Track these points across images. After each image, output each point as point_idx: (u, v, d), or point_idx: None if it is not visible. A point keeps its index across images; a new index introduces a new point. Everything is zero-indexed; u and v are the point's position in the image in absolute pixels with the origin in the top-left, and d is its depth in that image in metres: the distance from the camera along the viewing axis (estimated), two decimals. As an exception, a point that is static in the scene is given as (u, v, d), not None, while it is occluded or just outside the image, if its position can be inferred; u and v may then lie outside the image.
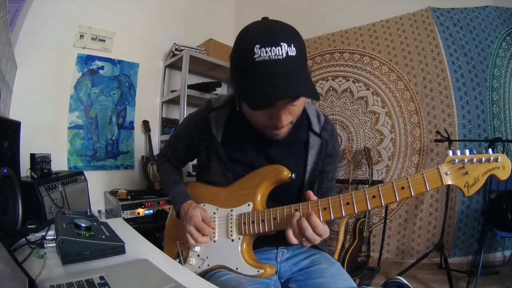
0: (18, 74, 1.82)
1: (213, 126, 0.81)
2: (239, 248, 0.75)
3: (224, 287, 0.67)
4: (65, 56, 2.06)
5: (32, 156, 1.47)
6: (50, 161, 1.57)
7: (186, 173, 2.32)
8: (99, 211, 2.15)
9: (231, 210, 0.78)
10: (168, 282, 0.54)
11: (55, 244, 0.65)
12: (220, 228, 0.78)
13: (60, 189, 1.50)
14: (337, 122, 2.54)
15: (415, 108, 2.31)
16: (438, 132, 2.12)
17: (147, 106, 2.52)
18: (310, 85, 0.62)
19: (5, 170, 0.95)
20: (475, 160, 0.60)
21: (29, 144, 1.51)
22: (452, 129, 2.19)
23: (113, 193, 2.14)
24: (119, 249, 0.68)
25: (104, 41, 2.21)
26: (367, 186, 1.82)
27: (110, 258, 0.66)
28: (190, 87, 2.37)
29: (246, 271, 0.72)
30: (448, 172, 0.61)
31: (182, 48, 2.40)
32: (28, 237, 0.72)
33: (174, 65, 2.58)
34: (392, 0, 2.42)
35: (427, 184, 0.61)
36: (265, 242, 0.80)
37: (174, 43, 2.41)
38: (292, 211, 0.69)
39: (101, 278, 0.53)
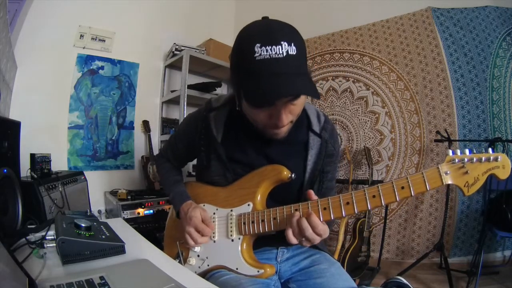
0: (18, 74, 1.82)
1: (213, 126, 0.81)
2: (239, 248, 0.75)
3: (224, 287, 0.67)
4: (65, 56, 2.06)
5: (32, 156, 1.47)
6: (50, 161, 1.57)
7: (186, 173, 2.32)
8: (99, 211, 2.15)
9: (231, 210, 0.78)
10: (168, 282, 0.54)
11: (55, 244, 0.65)
12: (220, 228, 0.78)
13: (60, 189, 1.50)
14: (337, 122, 2.54)
15: (415, 108, 2.31)
16: (438, 132, 2.12)
17: (147, 106, 2.52)
18: (310, 83, 0.63)
19: (5, 170, 0.95)
20: (475, 159, 0.60)
21: (29, 144, 1.51)
22: (452, 129, 2.19)
23: (113, 193, 2.14)
24: (119, 249, 0.68)
25: (104, 41, 2.21)
26: (367, 186, 1.82)
27: (110, 258, 0.66)
28: (190, 87, 2.37)
29: (246, 271, 0.72)
30: (448, 172, 0.61)
31: (182, 48, 2.40)
32: (28, 237, 0.72)
33: (174, 65, 2.58)
34: (392, 0, 2.42)
35: (427, 184, 0.61)
36: (265, 242, 0.80)
37: (174, 43, 2.41)
38: (292, 211, 0.69)
39: (101, 278, 0.53)
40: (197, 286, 0.59)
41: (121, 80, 2.35)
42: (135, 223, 1.87)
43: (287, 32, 0.61)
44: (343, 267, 1.06)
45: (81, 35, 2.10)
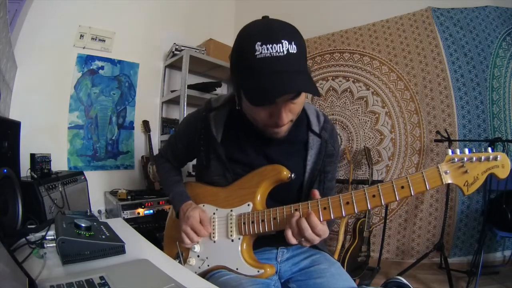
0: (18, 74, 1.82)
1: (213, 126, 0.81)
2: (239, 248, 0.75)
3: (224, 287, 0.67)
4: (65, 56, 2.06)
5: (32, 156, 1.47)
6: (50, 161, 1.57)
7: (186, 173, 2.32)
8: (99, 211, 2.15)
9: (231, 210, 0.78)
10: (168, 282, 0.54)
11: (55, 244, 0.65)
12: (220, 228, 0.78)
13: (60, 189, 1.50)
14: (337, 122, 2.54)
15: (415, 108, 2.31)
16: (438, 132, 2.12)
17: (147, 106, 2.52)
18: (311, 82, 0.63)
19: (5, 170, 0.95)
20: (474, 158, 0.60)
21: (29, 144, 1.51)
22: (452, 129, 2.19)
23: (113, 193, 2.14)
24: (119, 249, 0.68)
25: (104, 41, 2.21)
26: (367, 186, 1.81)
27: (110, 258, 0.66)
28: (190, 87, 2.37)
29: (246, 271, 0.72)
30: (448, 171, 0.61)
31: (182, 48, 2.40)
32: (28, 237, 0.72)
33: (174, 65, 2.58)
34: (392, 0, 2.42)
35: (426, 183, 0.61)
36: (265, 242, 0.80)
37: (174, 43, 2.41)
38: (292, 211, 0.69)
39: (101, 278, 0.53)
40: (197, 286, 0.59)
41: (121, 80, 2.35)
42: (135, 223, 1.87)
43: (288, 31, 0.61)
44: (343, 267, 1.06)
45: (81, 35, 2.10)
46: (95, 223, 0.76)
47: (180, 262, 0.80)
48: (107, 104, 2.28)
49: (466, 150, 0.61)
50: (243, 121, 0.76)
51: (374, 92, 2.44)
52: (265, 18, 0.66)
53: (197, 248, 0.79)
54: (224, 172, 0.81)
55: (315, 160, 0.80)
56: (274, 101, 0.62)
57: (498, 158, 0.60)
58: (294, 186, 0.80)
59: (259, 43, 0.58)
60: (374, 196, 0.64)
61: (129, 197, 1.96)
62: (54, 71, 2.00)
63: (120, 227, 0.88)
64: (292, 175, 0.74)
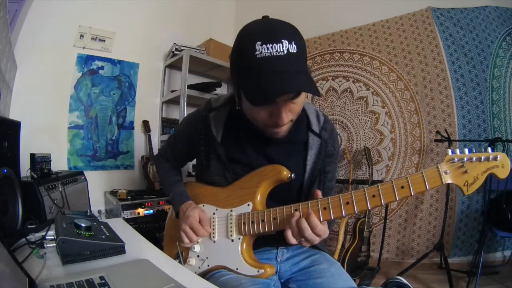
0: (18, 74, 1.82)
1: (213, 126, 0.81)
2: (239, 248, 0.75)
3: (224, 287, 0.67)
4: (65, 56, 2.06)
5: (32, 156, 1.47)
6: (50, 161, 1.57)
7: (186, 173, 2.32)
8: (99, 211, 2.15)
9: (231, 210, 0.78)
10: (168, 282, 0.54)
11: (55, 244, 0.65)
12: (220, 228, 0.78)
13: (60, 189, 1.50)
14: (337, 122, 2.54)
15: (415, 108, 2.31)
16: (438, 132, 2.12)
17: (147, 106, 2.52)
18: (311, 81, 0.63)
19: (5, 170, 0.95)
20: (474, 158, 0.60)
21: (29, 144, 1.51)
22: (452, 129, 2.19)
23: (113, 193, 2.14)
24: (119, 249, 0.68)
25: (104, 41, 2.21)
26: (367, 186, 1.81)
27: (110, 258, 0.66)
28: (190, 87, 2.37)
29: (246, 271, 0.72)
30: (448, 171, 0.61)
31: (182, 48, 2.40)
32: (28, 237, 0.72)
33: (174, 65, 2.58)
34: (392, 0, 2.42)
35: (426, 183, 0.61)
36: (265, 242, 0.80)
37: (174, 43, 2.41)
38: (292, 211, 0.69)
39: (101, 278, 0.53)
40: (197, 286, 0.59)
41: (121, 80, 2.35)
42: (135, 223, 1.87)
43: (288, 31, 0.61)
44: (343, 267, 1.06)
45: (81, 35, 2.10)
46: (95, 223, 0.76)
47: (180, 262, 0.80)
48: (107, 104, 2.28)
49: (466, 150, 0.62)
50: (243, 121, 0.76)
51: (374, 92, 2.44)
52: (265, 18, 0.66)
53: (197, 248, 0.79)
54: (224, 172, 0.81)
55: (315, 160, 0.80)
56: (274, 101, 0.62)
57: (498, 158, 0.60)
58: (294, 186, 0.80)
59: (259, 42, 0.58)
60: (374, 196, 0.64)
61: (129, 197, 1.96)
62: (54, 71, 2.00)
63: (120, 227, 0.88)
64: (292, 175, 0.74)
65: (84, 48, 2.13)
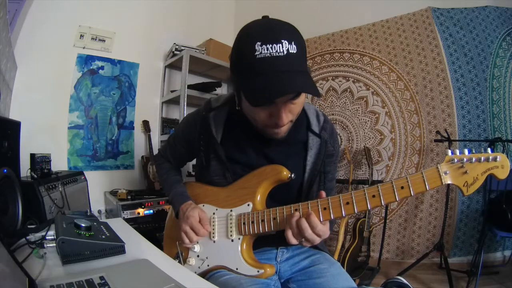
0: (18, 74, 1.82)
1: (213, 126, 0.81)
2: (239, 248, 0.75)
3: (224, 287, 0.67)
4: (65, 56, 2.06)
5: (32, 156, 1.47)
6: (50, 161, 1.57)
7: (186, 173, 2.32)
8: (99, 211, 2.15)
9: (231, 210, 0.78)
10: (168, 282, 0.54)
11: (55, 244, 0.65)
12: (220, 228, 0.78)
13: (60, 189, 1.50)
14: (337, 122, 2.54)
15: (415, 108, 2.31)
16: (438, 132, 2.12)
17: (147, 106, 2.52)
18: (311, 82, 0.63)
19: (5, 170, 0.95)
20: (474, 159, 0.60)
21: (29, 144, 1.51)
22: (452, 129, 2.19)
23: (113, 193, 2.14)
24: (119, 249, 0.68)
25: (104, 41, 2.21)
26: (367, 186, 1.82)
27: (110, 258, 0.66)
28: (190, 87, 2.37)
29: (246, 271, 0.72)
30: (447, 172, 0.61)
31: (182, 48, 2.40)
32: (28, 237, 0.72)
33: (174, 65, 2.58)
34: (392, 0, 2.42)
35: (426, 184, 0.61)
36: (265, 242, 0.80)
37: (174, 43, 2.41)
38: (292, 211, 0.69)
39: (101, 278, 0.53)
40: (197, 286, 0.59)
41: (121, 80, 2.35)
42: (135, 223, 1.87)
43: (288, 31, 0.61)
44: (343, 267, 1.06)
45: (81, 35, 2.10)
46: (95, 223, 0.76)
47: (180, 262, 0.80)
48: (107, 104, 2.28)
49: (466, 151, 0.62)
50: (243, 121, 0.76)
51: (374, 92, 2.44)
52: (265, 18, 0.66)
53: (197, 248, 0.79)
54: (224, 172, 0.81)
55: (314, 161, 0.80)
56: (274, 102, 0.62)
57: (498, 159, 0.60)
58: (293, 186, 0.80)
59: (259, 43, 0.58)
60: (374, 196, 0.64)
61: (129, 197, 1.96)
62: (54, 71, 2.00)
63: (120, 227, 0.88)
64: (292, 175, 0.74)
65: (84, 48, 2.13)
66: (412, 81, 2.33)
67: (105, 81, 2.26)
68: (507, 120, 2.17)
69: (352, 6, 2.55)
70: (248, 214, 0.75)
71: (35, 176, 1.41)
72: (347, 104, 2.53)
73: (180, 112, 2.28)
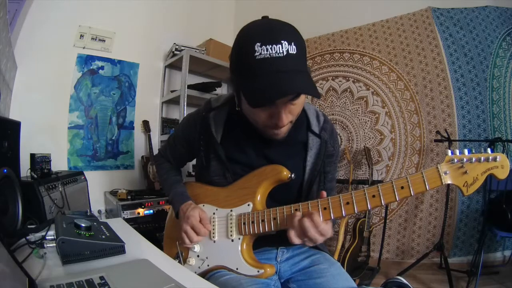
0: (18, 74, 1.82)
1: (213, 126, 0.81)
2: (239, 248, 0.75)
3: (224, 287, 0.67)
4: (65, 56, 2.06)
5: (32, 156, 1.47)
6: (50, 161, 1.57)
7: (186, 173, 2.32)
8: (99, 211, 2.15)
9: (231, 210, 0.78)
10: (168, 282, 0.54)
11: (55, 244, 0.65)
12: (220, 228, 0.78)
13: (60, 189, 1.50)
14: (337, 122, 2.54)
15: (415, 108, 2.31)
16: (438, 132, 2.12)
17: (147, 106, 2.52)
18: (311, 83, 0.63)
19: (5, 170, 0.95)
20: (473, 159, 0.60)
21: (29, 144, 1.51)
22: (452, 129, 2.19)
23: (113, 193, 2.14)
24: (119, 249, 0.68)
25: (104, 41, 2.21)
26: (367, 186, 1.82)
27: (110, 258, 0.66)
28: (190, 87, 2.37)
29: (246, 271, 0.72)
30: (447, 172, 0.61)
31: (182, 48, 2.40)
32: (28, 237, 0.72)
33: (174, 65, 2.58)
34: (392, 0, 2.42)
35: (426, 184, 0.61)
36: (265, 242, 0.80)
37: (174, 43, 2.41)
38: (292, 211, 0.69)
39: (101, 278, 0.53)
40: (197, 286, 0.59)
41: (121, 80, 2.35)
42: (135, 223, 1.87)
43: (287, 31, 0.61)
44: (343, 267, 1.06)
45: (81, 35, 2.10)
46: (95, 223, 0.76)
47: (180, 262, 0.80)
48: (107, 104, 2.28)
49: (466, 151, 0.62)
50: (243, 121, 0.76)
51: (374, 92, 2.44)
52: (264, 18, 0.66)
53: (197, 248, 0.79)
54: (224, 172, 0.81)
55: (314, 161, 0.80)
56: (274, 103, 0.62)
57: (498, 159, 0.60)
58: (294, 187, 0.80)
59: (258, 43, 0.58)
60: (374, 196, 0.64)
61: (129, 197, 1.96)
62: (54, 71, 2.00)
63: (120, 227, 0.88)
64: (292, 175, 0.74)
65: (84, 48, 2.13)
66: (412, 81, 2.33)
67: (105, 81, 2.26)
68: (507, 120, 2.17)
69: (352, 6, 2.55)
70: (248, 214, 0.75)
71: (35, 176, 1.41)
72: (347, 104, 2.53)
73: (180, 112, 2.28)
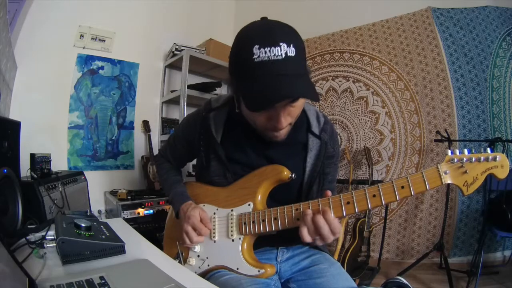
0: (18, 74, 1.82)
1: (213, 126, 0.81)
2: (240, 248, 0.75)
3: (224, 287, 0.67)
4: (65, 56, 2.06)
5: (32, 156, 1.47)
6: (50, 161, 1.57)
7: (186, 173, 2.32)
8: (99, 211, 2.15)
9: (232, 210, 0.78)
10: (168, 282, 0.54)
11: (55, 244, 0.65)
12: (221, 228, 0.78)
13: (60, 189, 1.50)
14: (337, 122, 2.54)
15: (415, 108, 2.31)
16: (438, 132, 2.12)
17: (147, 106, 2.52)
18: (309, 85, 0.62)
19: (5, 170, 0.95)
20: (473, 159, 0.60)
21: (29, 144, 1.51)
22: (452, 129, 2.19)
23: (113, 193, 2.14)
24: (119, 249, 0.68)
25: (104, 41, 2.21)
26: (367, 186, 1.81)
27: (110, 258, 0.66)
28: (190, 87, 2.37)
29: (246, 271, 0.72)
30: (447, 171, 0.61)
31: (182, 48, 2.40)
32: (28, 237, 0.72)
33: (174, 65, 2.58)
34: (392, 0, 2.42)
35: (426, 183, 0.61)
36: (265, 242, 0.80)
37: (174, 43, 2.42)
38: (293, 211, 0.69)
39: (101, 278, 0.53)
40: (197, 286, 0.59)
41: (121, 80, 2.35)
42: (135, 223, 1.87)
43: (286, 33, 0.61)
44: (343, 267, 1.06)
45: (81, 35, 2.10)
46: (95, 223, 0.76)
47: (180, 262, 0.80)
48: (107, 104, 2.28)
49: (466, 151, 0.62)
50: (243, 121, 0.76)
51: (374, 92, 2.44)
52: (263, 19, 0.65)
53: (197, 248, 0.79)
54: (224, 172, 0.81)
55: (314, 162, 0.80)
56: (272, 106, 0.62)
57: (497, 159, 0.60)
58: (294, 187, 0.80)
59: (256, 46, 0.57)
60: (374, 196, 0.64)
61: (129, 197, 1.96)
62: (54, 71, 2.00)
63: (120, 227, 0.88)
64: (293, 175, 0.74)
65: (84, 48, 2.13)
66: (412, 81, 2.33)
67: (105, 81, 2.26)
68: (507, 120, 2.17)
69: (352, 6, 2.55)
70: (249, 214, 0.75)
71: (35, 176, 1.40)
72: (347, 104, 2.53)
73: (180, 112, 2.28)
